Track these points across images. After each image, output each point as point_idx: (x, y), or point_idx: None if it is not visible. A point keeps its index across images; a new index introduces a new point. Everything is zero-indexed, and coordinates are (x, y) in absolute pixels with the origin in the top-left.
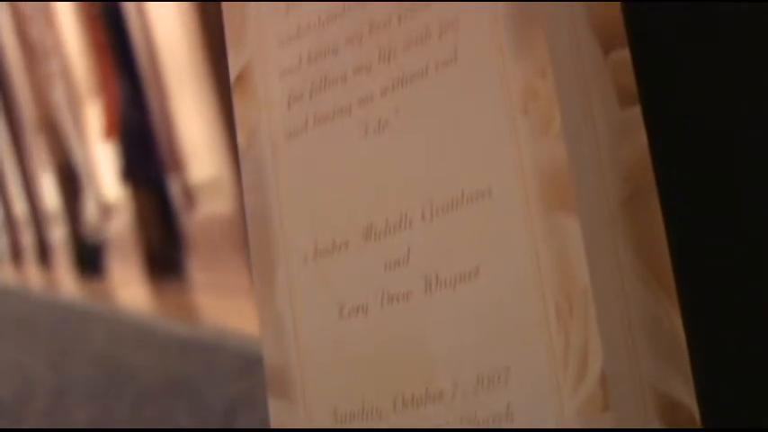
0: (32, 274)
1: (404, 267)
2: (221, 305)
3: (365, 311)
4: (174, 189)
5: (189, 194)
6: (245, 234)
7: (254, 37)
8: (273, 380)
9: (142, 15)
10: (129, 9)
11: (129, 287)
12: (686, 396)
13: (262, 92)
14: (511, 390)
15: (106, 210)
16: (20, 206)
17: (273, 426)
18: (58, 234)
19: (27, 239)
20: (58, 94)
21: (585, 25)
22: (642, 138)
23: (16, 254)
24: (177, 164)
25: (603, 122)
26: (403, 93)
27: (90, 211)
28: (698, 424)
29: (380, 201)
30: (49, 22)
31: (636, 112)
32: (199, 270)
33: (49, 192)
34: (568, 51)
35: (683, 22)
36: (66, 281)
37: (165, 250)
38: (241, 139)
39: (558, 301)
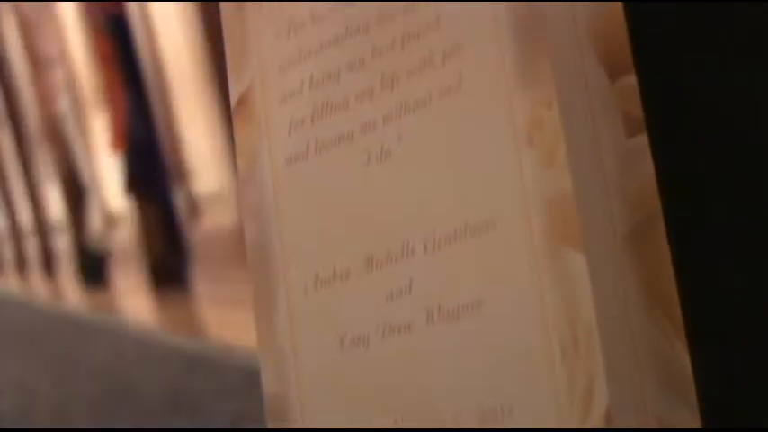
0: (36, 284)
1: (406, 298)
2: (225, 317)
3: (366, 342)
4: (179, 200)
5: (193, 206)
6: None
7: (255, 61)
8: (273, 409)
9: (148, 27)
10: (135, 20)
11: (132, 298)
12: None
13: (262, 117)
14: (513, 425)
15: (111, 220)
16: (25, 216)
17: None
18: (63, 244)
19: (31, 249)
20: (63, 105)
21: (592, 52)
22: (649, 167)
23: (20, 263)
24: (182, 175)
25: (610, 152)
26: (406, 120)
27: (94, 221)
28: None
29: (382, 230)
30: (55, 32)
31: (642, 140)
32: (203, 282)
33: (54, 202)
34: (575, 80)
35: (691, 48)
36: (70, 291)
37: (169, 262)
38: (241, 164)
39: (562, 335)
